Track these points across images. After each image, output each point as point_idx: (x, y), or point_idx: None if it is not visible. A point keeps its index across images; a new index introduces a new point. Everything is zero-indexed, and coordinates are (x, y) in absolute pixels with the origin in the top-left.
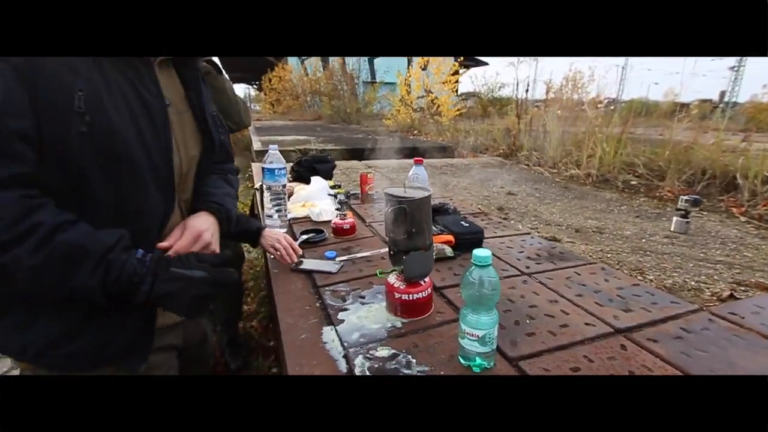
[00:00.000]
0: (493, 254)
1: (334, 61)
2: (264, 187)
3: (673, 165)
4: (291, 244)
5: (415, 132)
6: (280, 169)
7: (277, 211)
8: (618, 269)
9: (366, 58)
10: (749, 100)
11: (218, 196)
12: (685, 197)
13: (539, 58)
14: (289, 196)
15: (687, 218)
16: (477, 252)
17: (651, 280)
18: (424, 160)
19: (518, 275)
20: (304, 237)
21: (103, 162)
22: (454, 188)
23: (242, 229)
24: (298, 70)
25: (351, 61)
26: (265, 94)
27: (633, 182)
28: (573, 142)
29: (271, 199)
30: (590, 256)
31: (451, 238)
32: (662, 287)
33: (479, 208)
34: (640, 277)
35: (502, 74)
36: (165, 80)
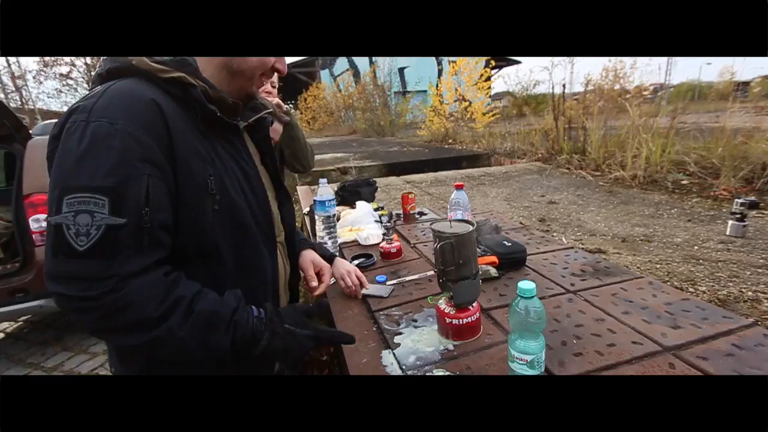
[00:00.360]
0: (537, 272)
1: (366, 75)
2: (315, 215)
3: (728, 161)
4: (360, 279)
5: (450, 141)
6: (330, 200)
7: (330, 237)
8: (667, 282)
9: (396, 69)
10: None
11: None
12: (740, 200)
13: (575, 59)
14: (337, 219)
15: (744, 221)
16: (522, 284)
17: (703, 292)
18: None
19: (563, 293)
20: (356, 262)
21: (229, 231)
22: (494, 200)
23: (319, 254)
24: (331, 87)
25: (382, 75)
26: (302, 113)
27: (684, 182)
28: (616, 143)
29: (323, 228)
30: (638, 268)
31: (494, 259)
32: (715, 299)
33: (520, 222)
34: (692, 289)
35: (536, 73)
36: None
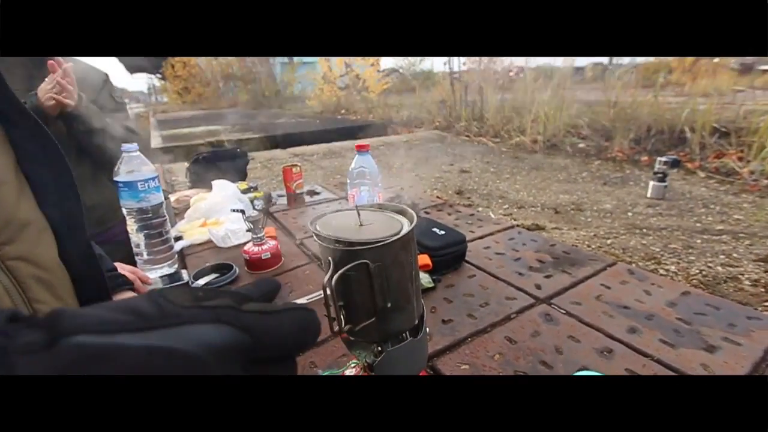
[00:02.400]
0: (485, 271)
1: None
2: (124, 211)
3: (619, 124)
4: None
5: (343, 111)
6: (146, 180)
7: (149, 238)
8: (631, 262)
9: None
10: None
11: None
12: (663, 158)
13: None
14: (184, 211)
15: (665, 182)
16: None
17: (676, 273)
18: (358, 141)
19: (533, 304)
20: (202, 282)
21: None
22: (400, 171)
23: None
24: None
25: None
26: (170, 83)
27: (581, 145)
28: (513, 108)
29: (137, 229)
30: (588, 246)
31: (427, 260)
32: (696, 283)
33: (437, 196)
34: (662, 271)
35: None
36: None
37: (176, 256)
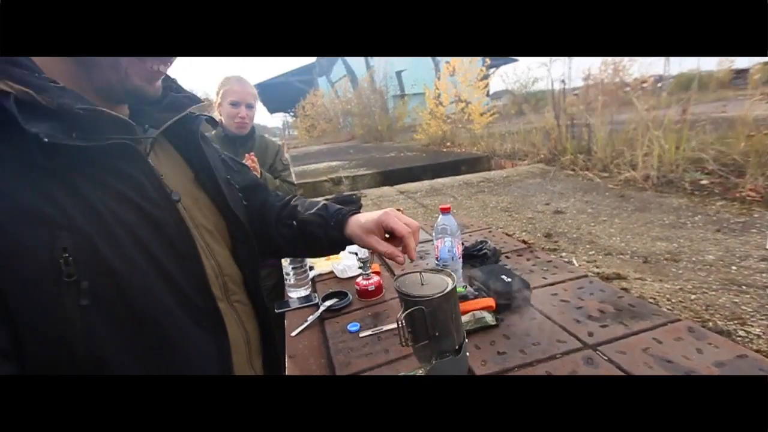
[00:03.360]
0: (545, 315)
1: (363, 80)
2: None
3: (753, 157)
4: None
5: (448, 144)
6: None
7: (295, 269)
8: (708, 321)
9: (394, 73)
10: None
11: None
12: None
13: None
14: None
15: None
16: None
17: (758, 336)
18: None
19: (579, 349)
20: (327, 304)
21: (119, 331)
22: (493, 210)
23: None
24: (329, 94)
25: (379, 78)
26: (300, 121)
27: (704, 182)
28: (623, 140)
29: (289, 262)
30: (668, 300)
31: (491, 302)
32: None
33: (523, 240)
34: (742, 332)
35: (534, 70)
36: (165, 165)
37: (310, 282)
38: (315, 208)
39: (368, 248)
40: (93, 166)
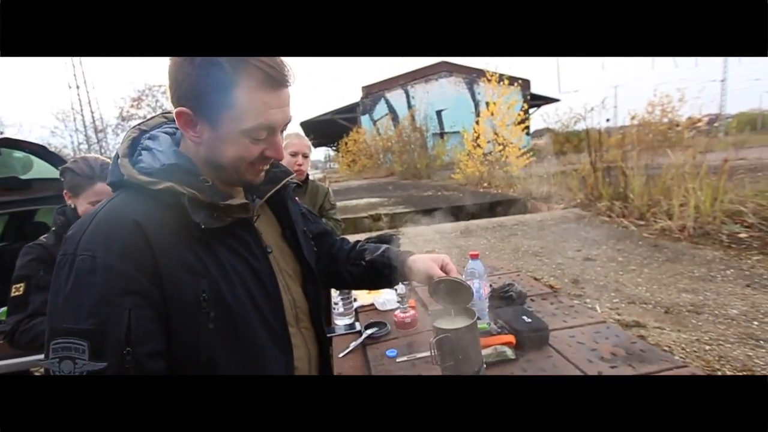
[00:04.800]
0: (560, 353)
1: (404, 118)
2: None
3: None
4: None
5: (485, 184)
6: None
7: (344, 299)
8: (718, 371)
9: (434, 112)
10: None
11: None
12: None
13: (619, 94)
14: None
15: None
16: None
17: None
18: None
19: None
20: (369, 332)
21: (228, 344)
22: (524, 254)
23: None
24: (370, 131)
25: (419, 117)
26: (342, 156)
27: (742, 235)
28: (660, 189)
29: (338, 293)
30: (682, 349)
31: (512, 338)
32: None
33: (549, 285)
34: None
35: (576, 109)
36: (263, 223)
37: (354, 311)
38: (379, 251)
39: (430, 275)
40: (223, 233)
